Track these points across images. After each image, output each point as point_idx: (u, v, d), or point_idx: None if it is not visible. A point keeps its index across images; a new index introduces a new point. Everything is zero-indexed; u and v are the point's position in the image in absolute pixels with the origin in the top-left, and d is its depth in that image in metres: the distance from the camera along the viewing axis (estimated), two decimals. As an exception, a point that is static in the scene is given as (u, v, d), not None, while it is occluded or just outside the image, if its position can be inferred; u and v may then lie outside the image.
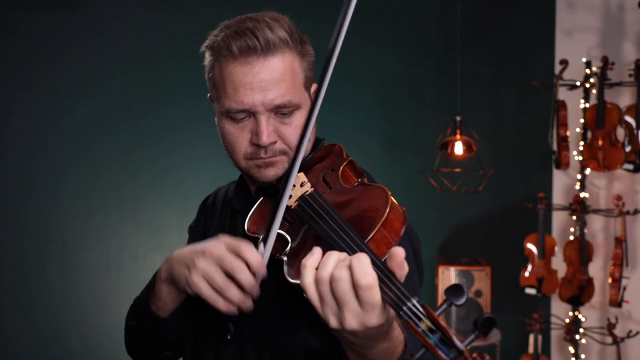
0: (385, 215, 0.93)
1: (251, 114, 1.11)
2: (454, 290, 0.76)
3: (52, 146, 3.13)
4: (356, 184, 1.10)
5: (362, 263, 0.80)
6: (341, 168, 1.11)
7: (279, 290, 1.08)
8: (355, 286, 0.80)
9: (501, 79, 3.68)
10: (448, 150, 3.17)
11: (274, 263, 1.04)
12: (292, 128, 1.13)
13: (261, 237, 1.03)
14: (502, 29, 3.62)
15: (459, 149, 3.16)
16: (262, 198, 1.17)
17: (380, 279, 0.81)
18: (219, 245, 0.99)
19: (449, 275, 3.27)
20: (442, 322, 0.74)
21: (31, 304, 3.13)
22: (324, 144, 1.25)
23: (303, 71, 1.15)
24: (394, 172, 3.48)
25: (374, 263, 0.83)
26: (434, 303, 3.37)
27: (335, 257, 0.83)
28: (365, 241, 0.91)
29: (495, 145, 3.57)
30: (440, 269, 3.28)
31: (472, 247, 3.56)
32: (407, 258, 1.10)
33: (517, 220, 3.57)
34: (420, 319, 0.75)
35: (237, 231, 1.23)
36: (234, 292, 0.97)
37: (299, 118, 1.13)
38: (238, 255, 0.97)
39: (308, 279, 0.84)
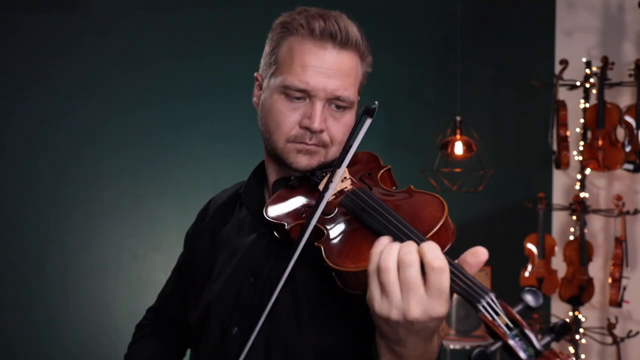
0: (444, 219, 0.93)
1: (309, 97, 1.12)
2: (533, 293, 0.77)
3: (52, 146, 3.13)
4: (394, 189, 1.11)
5: (434, 248, 0.80)
6: (380, 173, 1.15)
7: (288, 286, 1.08)
8: (426, 269, 0.79)
9: (501, 79, 3.69)
10: (448, 150, 3.17)
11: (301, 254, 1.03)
12: (340, 124, 1.15)
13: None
14: (502, 29, 3.62)
15: (459, 149, 3.16)
16: (280, 189, 1.17)
17: (454, 271, 0.81)
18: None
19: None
20: (520, 319, 0.75)
21: (31, 304, 3.13)
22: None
23: (362, 75, 1.19)
24: (394, 172, 3.46)
25: (445, 255, 0.83)
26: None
27: (399, 245, 0.83)
28: (427, 236, 0.90)
29: (495, 145, 3.57)
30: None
31: (472, 247, 3.56)
32: None
33: (517, 220, 3.57)
34: (497, 314, 0.76)
35: (246, 227, 1.23)
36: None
37: (348, 116, 1.16)
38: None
39: (373, 266, 0.83)
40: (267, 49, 1.19)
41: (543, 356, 0.72)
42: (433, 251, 0.80)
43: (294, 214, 1.09)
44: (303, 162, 1.14)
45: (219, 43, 3.23)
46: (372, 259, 0.83)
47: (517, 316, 0.75)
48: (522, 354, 0.73)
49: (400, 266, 0.80)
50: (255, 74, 1.23)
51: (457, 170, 3.21)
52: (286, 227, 1.07)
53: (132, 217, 3.24)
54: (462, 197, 3.35)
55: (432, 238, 0.90)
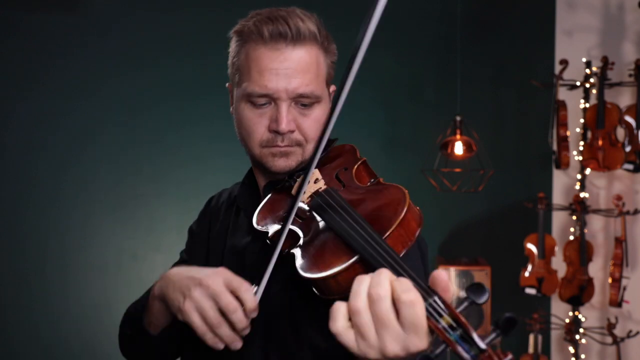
0: (403, 214, 0.92)
1: (272, 100, 1.12)
2: (476, 289, 0.75)
3: (52, 146, 3.13)
4: (369, 183, 1.10)
5: (402, 281, 0.75)
6: (355, 167, 1.12)
7: (285, 286, 1.08)
8: (396, 304, 0.74)
9: (501, 79, 3.68)
10: (448, 150, 3.17)
11: (281, 259, 1.03)
12: (310, 120, 1.14)
13: (256, 286, 1.01)
14: (502, 29, 3.62)
15: (459, 149, 3.16)
16: (269, 194, 1.17)
17: (399, 274, 0.79)
18: (217, 280, 0.98)
19: (449, 275, 3.27)
20: (463, 319, 0.73)
21: (31, 304, 3.13)
22: (336, 144, 1.25)
23: (326, 67, 1.17)
24: (394, 172, 3.47)
25: (391, 258, 0.82)
26: (434, 303, 3.37)
27: (364, 283, 0.77)
28: (383, 237, 0.89)
29: (495, 145, 3.57)
30: (440, 269, 3.28)
31: (472, 247, 3.56)
32: (415, 260, 1.10)
33: (517, 220, 3.57)
34: (441, 315, 0.74)
35: (241, 229, 1.23)
36: (225, 330, 0.96)
37: (318, 111, 1.15)
38: (235, 294, 0.97)
39: (340, 323, 0.76)
40: (229, 59, 1.20)
41: (486, 355, 0.70)
42: (402, 284, 0.75)
43: (277, 220, 1.09)
44: (281, 164, 1.14)
45: (219, 43, 3.21)
46: (336, 316, 0.78)
47: (460, 316, 0.73)
48: (465, 355, 0.71)
49: (370, 302, 0.75)
50: (227, 84, 1.24)
51: (457, 170, 3.21)
52: (269, 235, 1.07)
53: (132, 217, 3.24)
54: (462, 197, 3.35)
55: (397, 231, 0.91)
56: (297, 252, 0.99)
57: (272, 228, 1.07)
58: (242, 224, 1.23)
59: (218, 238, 1.28)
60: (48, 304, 3.15)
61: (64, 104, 3.13)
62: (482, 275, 3.25)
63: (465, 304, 0.75)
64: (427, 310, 0.74)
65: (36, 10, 3.06)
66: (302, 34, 1.11)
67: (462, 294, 3.26)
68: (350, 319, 0.76)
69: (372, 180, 1.11)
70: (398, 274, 0.79)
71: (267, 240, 1.08)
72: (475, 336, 0.71)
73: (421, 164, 3.29)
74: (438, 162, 3.23)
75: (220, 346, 0.98)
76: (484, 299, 0.75)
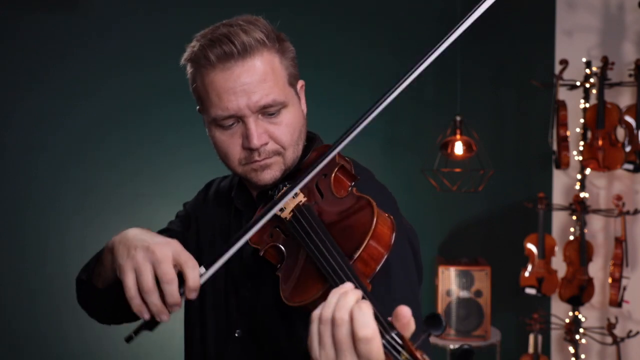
0: (372, 229, 0.91)
1: (239, 118, 1.10)
2: (432, 320, 0.74)
3: (52, 146, 3.13)
4: (350, 189, 1.07)
5: (363, 313, 0.74)
6: (333, 175, 1.07)
7: (278, 295, 1.08)
8: (353, 336, 0.74)
9: (501, 79, 3.69)
10: (448, 150, 3.17)
11: (274, 269, 1.03)
12: (282, 127, 1.12)
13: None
14: (502, 29, 3.62)
15: (459, 149, 3.16)
16: (260, 206, 1.16)
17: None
18: (165, 248, 0.96)
19: (449, 275, 3.27)
20: (420, 356, 0.72)
21: (31, 304, 3.13)
22: (320, 142, 1.23)
23: (285, 68, 1.14)
24: (394, 172, 3.47)
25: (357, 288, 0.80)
26: (433, 303, 3.37)
27: (336, 297, 0.77)
28: (352, 261, 0.89)
29: (495, 145, 3.57)
30: (440, 269, 3.28)
31: (472, 247, 3.56)
32: (406, 257, 1.10)
33: (517, 220, 3.57)
34: (399, 352, 0.73)
35: (237, 226, 1.23)
36: (154, 299, 0.94)
37: (287, 116, 1.13)
38: (179, 268, 0.95)
39: (316, 312, 0.79)
40: (190, 87, 1.18)
41: None
42: (362, 317, 0.74)
43: (265, 235, 1.08)
44: (266, 177, 1.13)
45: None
46: (318, 306, 0.79)
47: (417, 353, 0.72)
48: None
49: (333, 322, 0.76)
50: (197, 108, 1.22)
51: (457, 170, 3.21)
52: (260, 253, 1.06)
53: (133, 217, 3.23)
54: (462, 197, 3.35)
55: (369, 248, 0.90)
56: (281, 275, 0.98)
57: (262, 246, 1.06)
58: (243, 223, 1.23)
59: (219, 235, 1.27)
60: (48, 303, 3.15)
61: (64, 104, 3.13)
62: (482, 275, 3.25)
63: (423, 337, 0.75)
64: (384, 346, 0.73)
65: (36, 10, 3.06)
66: (249, 46, 1.08)
67: (464, 293, 3.26)
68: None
69: (353, 184, 1.08)
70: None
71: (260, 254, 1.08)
72: None
73: (421, 164, 3.29)
74: (438, 162, 3.23)
75: (145, 315, 0.95)
76: (440, 330, 0.74)
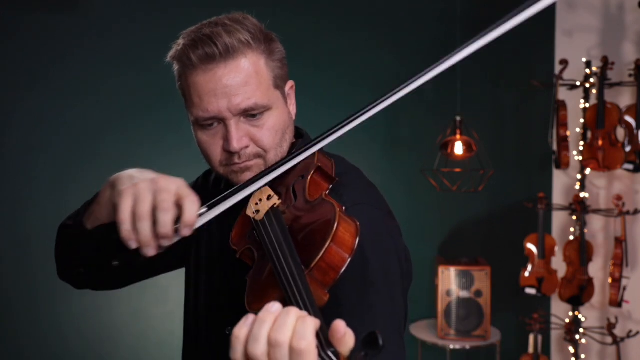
0: (332, 234, 0.87)
1: (219, 120, 1.09)
2: (369, 341, 0.69)
3: (52, 146, 3.13)
4: (328, 191, 1.03)
5: (305, 325, 0.69)
6: (309, 177, 1.04)
7: None
8: (290, 347, 0.69)
9: (501, 79, 3.69)
10: (448, 150, 3.17)
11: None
12: (264, 130, 1.10)
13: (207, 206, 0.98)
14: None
15: (459, 149, 3.16)
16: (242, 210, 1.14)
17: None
18: (170, 181, 0.93)
19: (449, 275, 3.27)
20: None
21: (32, 304, 3.13)
22: (305, 140, 1.20)
23: (271, 70, 1.11)
24: (394, 172, 3.48)
25: (302, 300, 0.78)
26: (433, 303, 3.37)
27: (268, 325, 0.71)
28: (309, 270, 0.86)
29: (495, 145, 3.57)
30: (440, 269, 3.28)
31: (472, 247, 3.56)
32: (390, 270, 1.04)
33: (517, 220, 3.57)
34: None
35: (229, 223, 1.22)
36: (145, 226, 0.89)
37: (270, 119, 1.10)
38: (179, 200, 0.91)
39: (238, 355, 0.72)
40: (176, 84, 1.18)
41: None
42: (303, 329, 0.69)
43: (244, 237, 1.06)
44: (246, 179, 1.11)
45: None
46: (234, 343, 0.72)
47: None
48: None
49: (269, 345, 0.70)
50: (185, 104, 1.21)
51: (457, 170, 3.21)
52: (237, 256, 1.04)
53: (132, 217, 3.24)
54: (462, 197, 3.35)
55: (325, 259, 0.87)
56: (248, 280, 0.96)
57: (239, 247, 1.04)
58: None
59: (208, 230, 1.25)
60: (49, 303, 3.15)
61: (64, 104, 3.13)
62: (482, 275, 3.25)
63: (359, 357, 0.70)
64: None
65: (36, 11, 3.06)
66: (232, 48, 1.06)
67: (464, 293, 3.26)
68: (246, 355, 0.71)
69: (330, 186, 1.04)
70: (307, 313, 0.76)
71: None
72: None
73: (421, 164, 3.29)
74: (438, 162, 3.23)
75: (133, 244, 0.90)
76: (376, 351, 0.69)
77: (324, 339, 0.71)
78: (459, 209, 3.61)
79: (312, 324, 0.70)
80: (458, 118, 3.19)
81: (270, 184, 1.05)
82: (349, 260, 0.87)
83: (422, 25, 3.58)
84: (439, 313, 3.27)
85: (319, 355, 0.70)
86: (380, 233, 1.06)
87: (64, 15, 3.10)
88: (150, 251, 0.91)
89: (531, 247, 3.33)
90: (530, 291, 3.32)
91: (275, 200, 1.02)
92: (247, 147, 1.09)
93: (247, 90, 1.07)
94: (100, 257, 1.13)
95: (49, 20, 3.08)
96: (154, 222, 0.90)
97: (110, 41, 3.17)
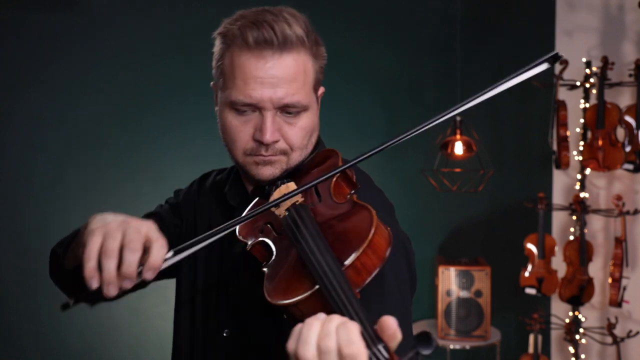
0: (369, 238, 0.88)
1: (257, 108, 1.08)
2: (423, 339, 0.71)
3: (52, 146, 3.13)
4: (349, 196, 1.05)
5: (349, 330, 0.71)
6: (334, 180, 1.05)
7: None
8: (339, 353, 0.71)
9: (501, 79, 3.67)
10: (448, 150, 3.17)
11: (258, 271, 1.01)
12: (296, 129, 1.10)
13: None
14: (502, 29, 3.62)
15: (459, 149, 3.16)
16: (257, 199, 1.15)
17: (350, 316, 0.76)
18: (141, 223, 0.91)
19: (449, 275, 3.27)
20: None
21: (32, 304, 3.13)
22: (323, 146, 1.22)
23: (314, 72, 1.12)
24: (394, 172, 3.48)
25: (345, 295, 0.79)
26: (434, 303, 3.37)
27: (316, 329, 0.73)
28: (344, 268, 0.86)
29: (495, 145, 3.57)
30: (440, 269, 3.28)
31: (472, 247, 3.56)
32: (400, 272, 1.05)
33: (517, 220, 3.57)
34: None
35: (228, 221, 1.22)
36: (110, 264, 0.87)
37: (304, 119, 1.11)
38: (147, 242, 0.90)
39: (290, 350, 0.74)
40: (213, 61, 1.15)
41: None
42: (347, 334, 0.71)
43: (255, 230, 1.06)
44: (266, 172, 1.11)
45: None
46: (290, 344, 0.74)
47: None
48: None
49: (318, 352, 0.72)
50: (211, 83, 1.20)
51: (457, 170, 3.21)
52: (247, 248, 1.04)
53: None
54: (462, 197, 3.35)
55: (364, 257, 0.88)
56: (267, 271, 0.96)
57: (250, 240, 1.04)
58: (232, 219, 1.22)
59: (207, 228, 1.26)
60: (49, 303, 3.14)
61: (64, 104, 3.13)
62: (482, 275, 3.25)
63: (410, 354, 0.71)
64: (370, 359, 0.72)
65: (36, 10, 3.06)
66: (289, 40, 1.05)
67: (464, 293, 3.26)
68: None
69: (352, 192, 1.06)
70: (347, 314, 0.77)
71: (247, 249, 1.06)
72: None
73: (421, 164, 3.29)
74: (438, 162, 3.23)
75: (94, 283, 0.88)
76: (429, 350, 0.71)
77: (372, 334, 0.73)
78: (459, 209, 3.61)
79: (355, 328, 0.72)
80: (458, 118, 3.19)
81: (293, 181, 1.05)
82: (380, 266, 0.89)
83: (422, 26, 3.58)
84: (439, 313, 3.27)
85: (370, 351, 0.71)
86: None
87: (64, 15, 3.10)
88: (112, 290, 0.88)
89: (531, 247, 3.33)
90: (530, 291, 3.32)
91: (299, 197, 1.03)
92: (277, 141, 1.09)
93: (293, 86, 1.07)
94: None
95: (49, 19, 3.08)
96: (120, 261, 0.88)
97: (110, 41, 3.17)
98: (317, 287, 0.85)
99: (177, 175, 3.31)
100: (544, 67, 0.96)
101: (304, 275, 0.89)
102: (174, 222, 1.34)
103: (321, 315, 0.75)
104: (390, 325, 0.72)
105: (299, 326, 0.75)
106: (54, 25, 3.09)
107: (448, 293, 3.27)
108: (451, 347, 3.22)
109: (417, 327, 3.41)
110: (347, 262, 0.87)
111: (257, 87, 1.06)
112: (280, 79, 1.06)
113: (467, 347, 3.22)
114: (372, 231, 0.89)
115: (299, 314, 0.87)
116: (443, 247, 3.61)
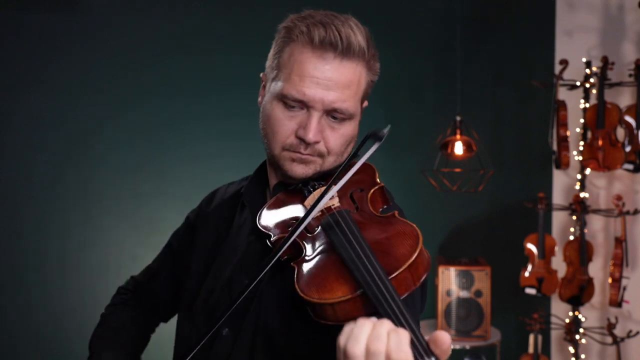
0: (414, 257, 0.89)
1: (306, 107, 1.10)
2: (475, 358, 0.76)
3: (52, 146, 3.13)
4: (381, 210, 1.08)
5: (399, 337, 0.74)
6: (372, 191, 1.09)
7: (281, 293, 1.06)
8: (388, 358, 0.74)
9: (501, 79, 3.69)
10: (448, 150, 3.17)
11: (280, 265, 1.01)
12: (338, 135, 1.13)
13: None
14: (502, 29, 3.62)
15: (459, 149, 3.16)
16: (278, 194, 1.15)
17: (399, 323, 0.78)
18: None
19: (449, 275, 3.27)
20: None
21: (31, 304, 3.13)
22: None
23: (366, 85, 1.16)
24: (394, 172, 3.47)
25: (394, 303, 0.80)
26: (434, 303, 3.37)
27: (367, 329, 0.76)
28: (390, 277, 0.86)
29: (495, 145, 3.57)
30: (440, 269, 3.28)
31: (472, 247, 3.56)
32: (417, 300, 1.08)
33: (517, 220, 3.57)
34: None
35: (245, 226, 1.21)
36: None
37: (347, 127, 1.14)
38: None
39: (340, 346, 0.77)
40: (271, 51, 1.17)
41: None
42: (397, 341, 0.74)
43: (282, 225, 1.08)
44: (298, 170, 1.13)
45: (219, 43, 3.23)
46: (340, 339, 0.78)
47: None
48: None
49: (367, 353, 0.75)
50: (261, 74, 1.22)
51: (457, 170, 3.21)
52: (271, 239, 1.05)
53: (133, 217, 3.23)
54: (462, 197, 3.35)
55: (404, 274, 0.88)
56: (298, 267, 0.96)
57: (276, 233, 1.05)
58: (247, 221, 1.22)
59: (223, 234, 1.26)
60: (48, 304, 3.15)
61: (64, 104, 3.13)
62: (482, 275, 3.25)
63: None
64: None
65: (36, 10, 3.06)
66: (352, 48, 1.09)
67: (464, 293, 3.26)
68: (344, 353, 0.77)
69: (385, 207, 1.09)
70: (399, 323, 0.79)
71: (269, 243, 1.07)
72: None
73: (421, 164, 3.29)
74: (438, 162, 3.23)
75: None
76: None
77: (425, 346, 0.75)
78: (459, 209, 3.61)
79: (406, 336, 0.74)
80: (458, 118, 3.19)
81: (325, 186, 1.07)
82: (415, 288, 0.90)
83: (422, 26, 3.58)
84: (439, 313, 3.27)
85: None
86: None
87: (64, 15, 3.10)
88: None
89: (531, 247, 3.33)
90: (530, 291, 3.32)
91: (335, 201, 1.06)
92: (317, 142, 1.12)
93: (345, 92, 1.10)
94: None
95: (49, 19, 3.08)
96: None
97: (110, 41, 3.17)
98: (360, 291, 0.85)
99: (178, 175, 3.32)
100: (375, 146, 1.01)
101: (345, 278, 0.89)
102: (185, 241, 1.37)
103: (373, 318, 0.77)
104: (445, 340, 0.75)
105: (350, 324, 0.77)
106: (54, 25, 3.09)
107: (448, 293, 3.27)
108: (451, 347, 3.22)
109: (417, 327, 3.41)
110: (392, 274, 0.87)
111: (312, 85, 1.08)
112: (335, 84, 1.09)
113: (467, 347, 3.22)
114: (417, 252, 0.90)
115: (331, 313, 0.88)
116: (443, 247, 3.61)
